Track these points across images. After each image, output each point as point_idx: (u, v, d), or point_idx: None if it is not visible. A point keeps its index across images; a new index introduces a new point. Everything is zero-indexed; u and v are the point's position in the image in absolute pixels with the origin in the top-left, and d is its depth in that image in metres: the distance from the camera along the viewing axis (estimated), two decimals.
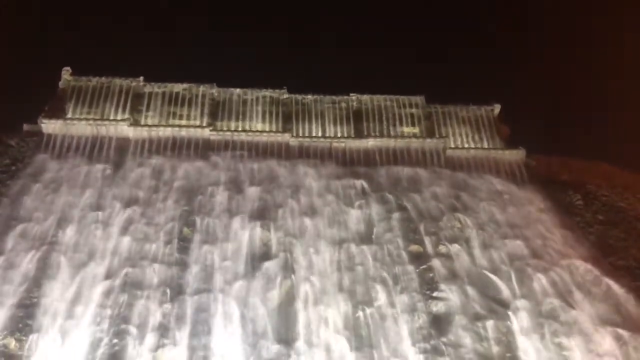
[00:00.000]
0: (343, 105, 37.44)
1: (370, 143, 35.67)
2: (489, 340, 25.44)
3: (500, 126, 37.52)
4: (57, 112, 34.87)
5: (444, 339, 25.22)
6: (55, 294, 25.82)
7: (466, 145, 36.57)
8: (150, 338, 24.32)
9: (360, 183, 33.09)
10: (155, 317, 25.15)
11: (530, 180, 34.74)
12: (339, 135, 36.24)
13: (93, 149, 33.62)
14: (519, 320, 26.02)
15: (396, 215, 31.16)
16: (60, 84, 36.30)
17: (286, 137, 35.35)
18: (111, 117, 35.02)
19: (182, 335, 24.48)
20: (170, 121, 35.52)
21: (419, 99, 37.81)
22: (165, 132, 34.76)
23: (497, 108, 38.07)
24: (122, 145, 33.95)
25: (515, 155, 36.00)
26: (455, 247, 29.43)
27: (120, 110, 35.40)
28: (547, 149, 37.31)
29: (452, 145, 36.27)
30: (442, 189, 33.12)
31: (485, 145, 36.66)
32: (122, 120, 34.75)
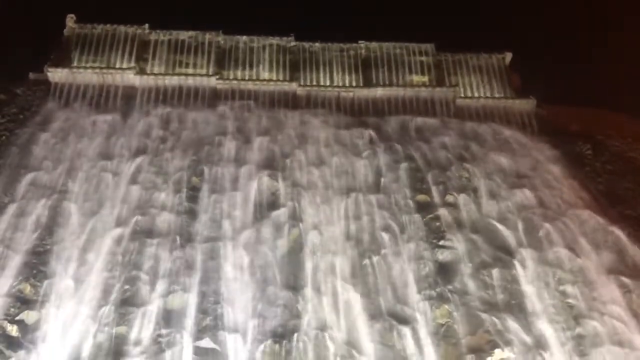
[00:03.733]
0: (351, 53, 36.82)
1: (379, 92, 35.29)
2: (494, 288, 25.74)
3: (511, 75, 36.92)
4: (63, 61, 34.62)
5: (449, 287, 25.54)
6: (67, 242, 26.23)
7: (476, 95, 36.11)
8: (161, 284, 24.80)
9: (368, 133, 32.90)
10: (166, 264, 25.56)
11: (540, 130, 34.45)
12: (347, 84, 35.79)
13: (100, 97, 33.52)
14: (525, 269, 26.24)
15: (404, 165, 31.09)
16: (65, 32, 35.87)
17: (293, 86, 34.99)
18: (117, 66, 34.71)
19: (193, 282, 24.93)
20: (177, 70, 35.16)
21: (429, 47, 37.10)
22: (172, 81, 34.48)
23: (508, 56, 37.36)
24: (129, 94, 33.80)
25: (526, 104, 35.57)
26: (462, 197, 29.48)
27: (126, 58, 35.05)
28: (558, 98, 36.75)
29: (462, 95, 35.81)
30: (450, 138, 32.91)
31: (496, 94, 36.18)
32: (128, 68, 34.48)
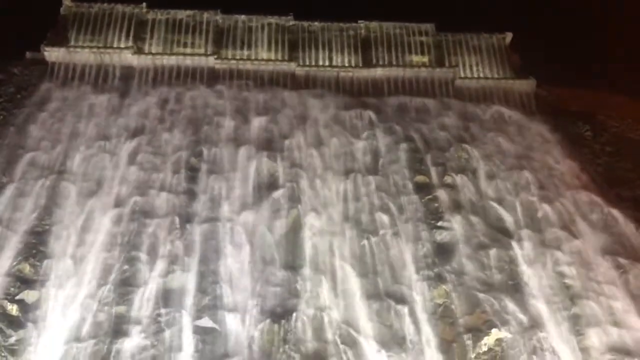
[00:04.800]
0: (351, 33, 36.55)
1: (379, 72, 35.08)
2: (491, 268, 25.83)
3: (511, 55, 36.71)
4: (60, 40, 34.37)
5: (447, 267, 25.62)
6: (66, 222, 26.26)
7: (476, 75, 35.97)
8: (160, 264, 24.86)
9: (367, 114, 32.79)
10: (165, 245, 25.60)
11: (539, 111, 34.40)
12: (346, 64, 35.58)
13: (97, 77, 33.35)
14: (522, 250, 26.36)
15: (403, 146, 31.05)
16: (62, 11, 35.51)
17: (292, 66, 34.78)
18: (115, 45, 34.47)
19: (192, 262, 25.01)
20: (175, 49, 34.94)
21: (429, 27, 36.86)
22: (170, 61, 34.28)
23: (508, 36, 37.15)
24: (127, 74, 33.62)
25: (526, 85, 35.43)
26: (461, 178, 29.49)
27: (123, 37, 34.80)
28: (558, 79, 36.58)
29: (462, 75, 35.65)
30: (450, 119, 32.86)
31: (496, 74, 36.03)
32: (126, 48, 34.22)
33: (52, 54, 33.71)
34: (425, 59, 36.05)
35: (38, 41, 34.15)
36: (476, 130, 32.26)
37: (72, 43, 34.41)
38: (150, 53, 34.44)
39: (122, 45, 34.42)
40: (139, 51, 34.38)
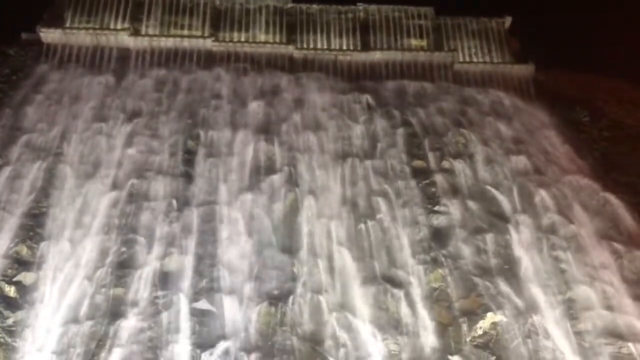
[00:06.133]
0: (349, 15, 36.29)
1: (377, 56, 34.91)
2: (487, 253, 25.95)
3: (510, 40, 36.52)
4: (56, 21, 34.03)
5: (443, 251, 25.71)
6: (63, 204, 26.29)
7: (475, 60, 35.80)
8: (158, 247, 24.92)
9: (365, 97, 32.70)
10: (162, 227, 25.64)
11: (537, 96, 34.31)
12: (344, 47, 35.38)
13: (94, 59, 33.18)
14: (519, 234, 26.45)
15: (401, 130, 31.02)
16: None
17: (290, 49, 34.58)
18: (111, 27, 34.18)
19: (189, 245, 25.06)
20: (172, 31, 34.65)
21: (428, 10, 36.62)
22: (167, 43, 34.04)
23: (508, 20, 36.91)
24: (123, 56, 33.42)
25: (524, 70, 35.32)
26: (458, 163, 29.49)
27: (120, 19, 34.49)
28: (557, 63, 36.44)
29: (461, 59, 35.48)
30: (448, 104, 32.79)
31: (495, 59, 35.87)
32: (122, 29, 33.93)
33: (48, 35, 33.43)
34: (424, 43, 35.85)
35: (34, 22, 33.87)
36: (474, 115, 32.21)
37: (68, 24, 34.08)
38: (147, 35, 34.17)
39: (119, 27, 34.13)
40: (136, 33, 34.09)
